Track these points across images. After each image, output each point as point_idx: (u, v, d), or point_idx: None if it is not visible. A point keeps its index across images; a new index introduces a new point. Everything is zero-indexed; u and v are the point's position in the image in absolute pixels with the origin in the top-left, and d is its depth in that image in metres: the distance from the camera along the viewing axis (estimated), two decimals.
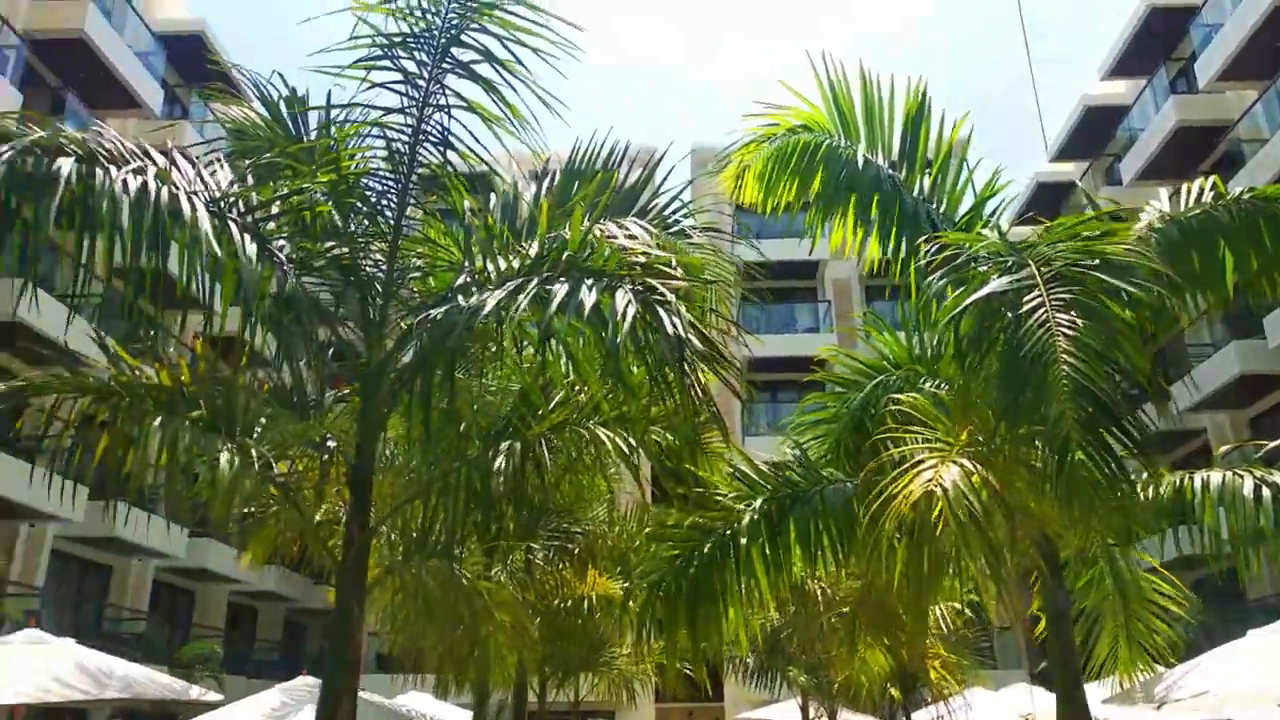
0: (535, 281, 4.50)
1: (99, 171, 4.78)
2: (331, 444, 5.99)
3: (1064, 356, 3.86)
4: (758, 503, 5.61)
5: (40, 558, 19.20)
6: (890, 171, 5.42)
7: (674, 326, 4.35)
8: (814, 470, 5.88)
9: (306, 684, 9.74)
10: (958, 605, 9.00)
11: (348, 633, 5.41)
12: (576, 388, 5.97)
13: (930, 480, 4.03)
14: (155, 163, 5.11)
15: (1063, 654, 4.98)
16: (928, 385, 5.75)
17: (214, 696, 10.19)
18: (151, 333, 5.78)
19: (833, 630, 9.46)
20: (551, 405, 5.99)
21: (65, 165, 4.69)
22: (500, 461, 5.69)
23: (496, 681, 10.52)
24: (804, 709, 16.55)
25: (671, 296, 4.31)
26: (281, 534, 7.86)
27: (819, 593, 9.05)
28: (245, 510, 7.77)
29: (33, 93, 17.60)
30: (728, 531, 5.63)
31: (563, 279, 4.42)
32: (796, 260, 29.37)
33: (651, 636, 7.02)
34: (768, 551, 5.51)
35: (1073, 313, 4.04)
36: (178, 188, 5.02)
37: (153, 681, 8.02)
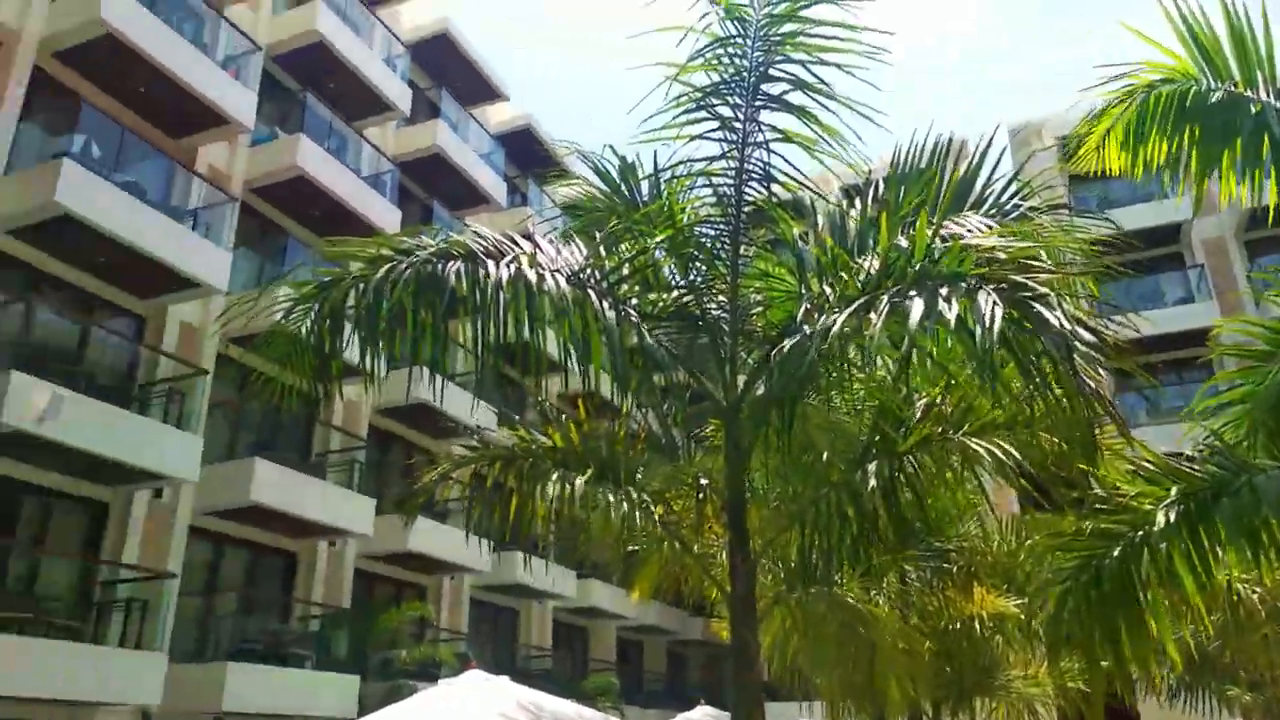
0: (885, 298, 4.42)
1: (479, 267, 5.49)
2: (704, 482, 6.28)
3: None
4: (1172, 499, 4.96)
5: (462, 605, 22.02)
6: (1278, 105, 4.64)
7: (1057, 321, 4.02)
8: (1235, 458, 5.09)
9: (706, 713, 10.16)
10: None
11: (747, 663, 5.58)
12: (940, 399, 5.74)
13: None
14: (522, 249, 5.76)
15: None
16: None
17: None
18: (538, 400, 6.48)
19: (1276, 643, 8.08)
20: (916, 418, 5.81)
21: (453, 267, 5.44)
22: (871, 483, 5.60)
23: (891, 709, 10.26)
24: None
25: (1045, 290, 4.03)
26: (664, 569, 8.34)
27: (1255, 598, 7.78)
28: (629, 550, 8.37)
29: (406, 206, 20.67)
30: (1139, 535, 5.04)
31: (914, 291, 4.28)
32: (1153, 226, 26.03)
33: (1060, 656, 6.48)
34: (1192, 554, 4.84)
35: None
36: (543, 268, 5.61)
37: (580, 715, 8.78)
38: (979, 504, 10.64)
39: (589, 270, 5.93)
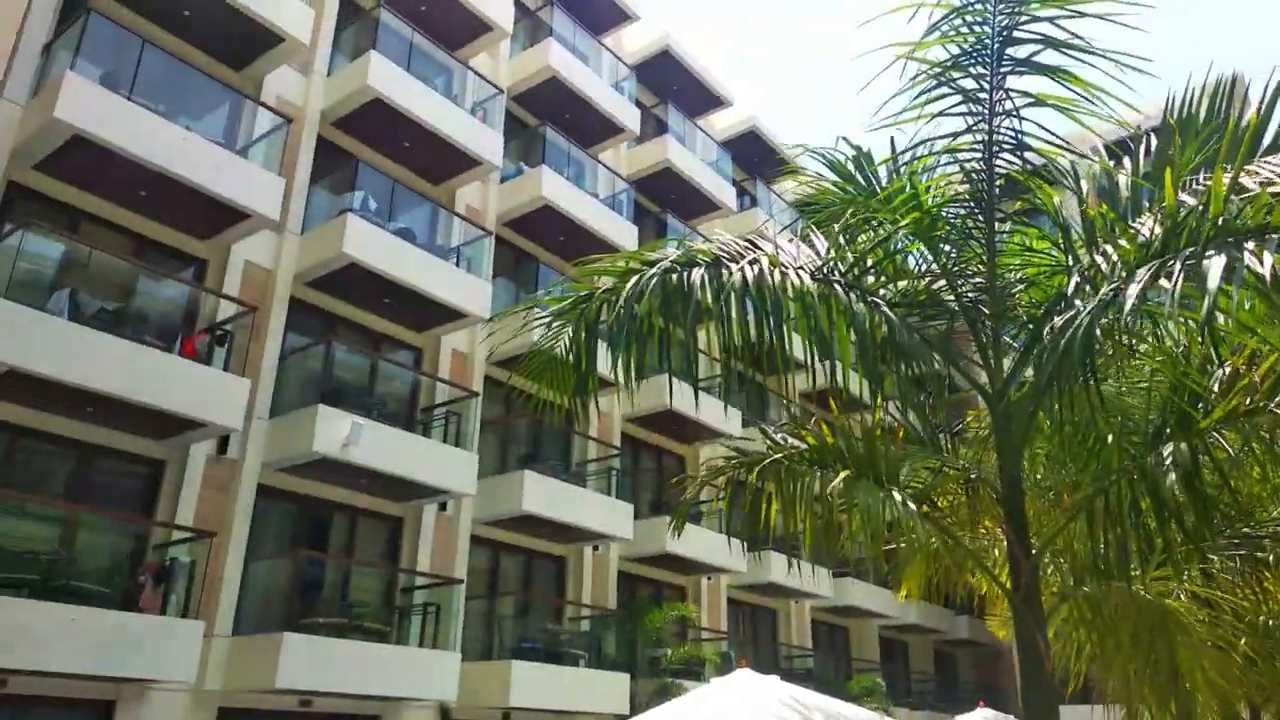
0: (1178, 261, 4.01)
1: (723, 271, 5.56)
2: (974, 474, 5.98)
3: None
4: None
5: (720, 605, 22.35)
6: None
7: None
8: None
9: (988, 715, 9.65)
10: None
11: (1037, 663, 5.24)
12: (1245, 367, 5.11)
13: None
14: (762, 250, 5.78)
15: None
16: None
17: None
18: (785, 400, 6.46)
19: None
20: (1217, 392, 5.21)
21: (698, 272, 5.55)
22: (1169, 465, 5.07)
23: (1201, 711, 9.23)
24: None
25: None
26: (934, 567, 8.01)
27: None
28: (890, 547, 8.12)
29: (641, 221, 21.41)
30: None
31: (1212, 251, 3.86)
32: None
33: None
34: None
35: None
36: (785, 266, 5.59)
37: (852, 714, 8.62)
38: None
39: (831, 264, 5.84)
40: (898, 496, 5.48)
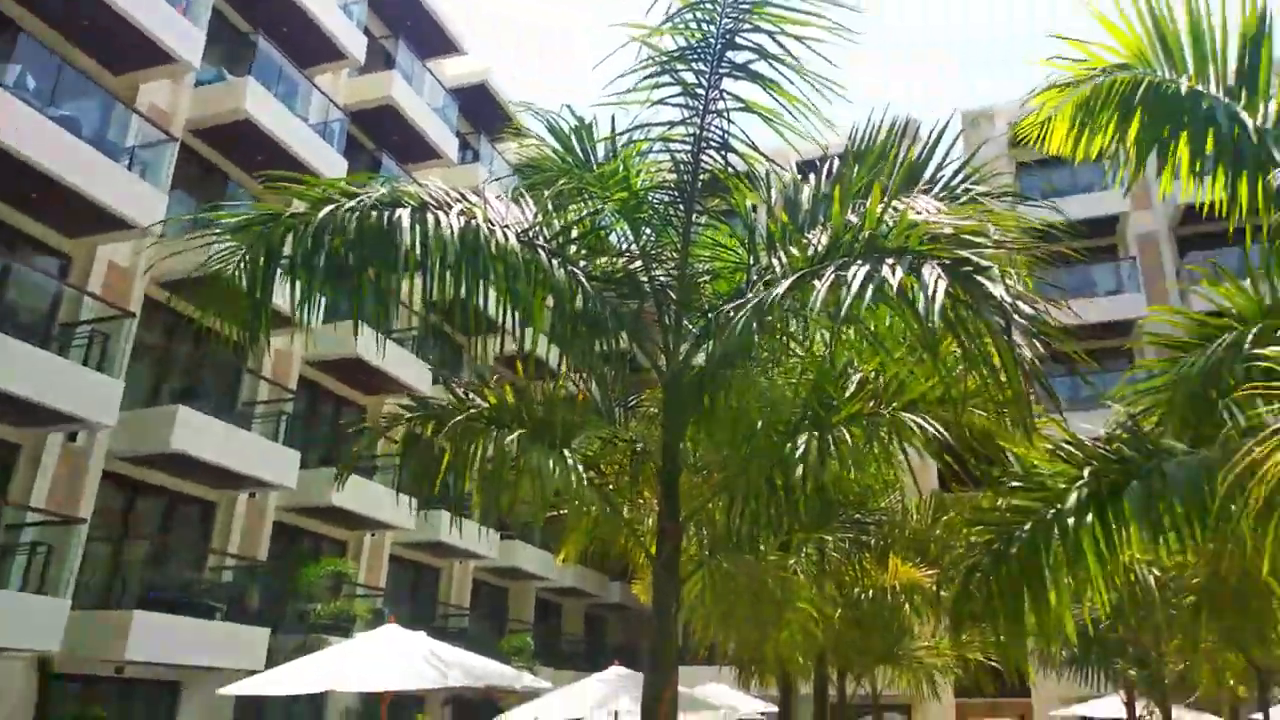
0: (830, 269, 4.54)
1: (429, 216, 5.41)
2: (640, 447, 6.36)
3: None
4: (1084, 480, 5.22)
5: (382, 562, 21.89)
6: (1227, 101, 4.83)
7: (999, 295, 4.16)
8: (1148, 443, 5.38)
9: (618, 674, 10.34)
10: None
11: (667, 625, 5.70)
12: (876, 373, 5.91)
13: None
14: (472, 203, 5.71)
15: None
16: None
17: (544, 684, 11.10)
18: (475, 359, 6.45)
19: (1169, 622, 8.57)
20: (849, 392, 5.97)
21: (402, 215, 5.36)
22: (799, 454, 5.73)
23: (797, 673, 10.59)
24: (1129, 705, 15.13)
25: (990, 265, 4.18)
26: (593, 533, 8.43)
27: (1153, 579, 8.24)
28: (555, 512, 8.44)
29: (354, 157, 20.18)
30: (1050, 513, 5.29)
31: (861, 261, 4.41)
32: (1093, 217, 26.87)
33: (964, 627, 6.76)
34: (1098, 534, 5.11)
35: None
36: (494, 224, 5.57)
37: (489, 670, 8.87)
38: (902, 481, 11.02)
39: (538, 228, 5.91)
40: (569, 460, 5.68)
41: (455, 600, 25.47)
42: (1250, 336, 5.16)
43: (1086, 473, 5.31)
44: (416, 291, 5.62)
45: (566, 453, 5.65)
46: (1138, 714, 15.09)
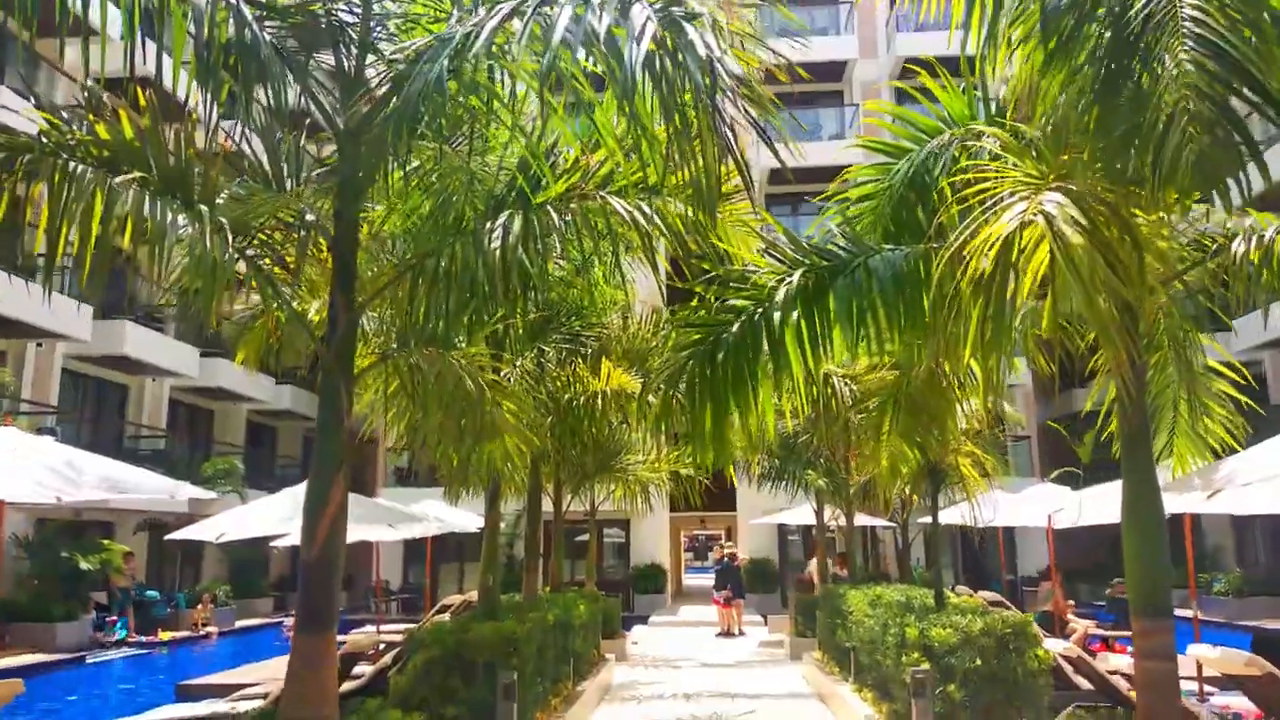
0: (531, 4, 3.72)
1: None
2: (310, 216, 5.29)
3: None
4: (795, 277, 4.93)
5: (51, 376, 19.17)
6: None
7: (706, 47, 3.60)
8: (859, 242, 5.17)
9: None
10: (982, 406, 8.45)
11: (336, 418, 4.91)
12: (587, 153, 5.21)
13: (1026, 210, 3.34)
14: None
15: (1138, 431, 4.44)
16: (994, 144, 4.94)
17: (207, 495, 10.12)
18: (84, 85, 4.94)
19: (854, 430, 9.04)
20: (559, 173, 5.24)
21: None
22: (498, 236, 4.97)
23: (510, 487, 10.30)
24: (819, 513, 16.66)
25: (702, 9, 3.59)
26: (272, 333, 7.32)
27: (846, 390, 8.57)
28: (245, 312, 7.25)
29: None
30: (759, 311, 4.99)
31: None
32: (821, 61, 27.55)
33: (671, 432, 6.56)
34: (803, 330, 4.88)
35: None
36: None
37: (140, 482, 7.67)
38: (628, 297, 10.70)
39: None
40: (212, 222, 4.53)
41: (150, 420, 23.21)
42: (953, 141, 5.06)
43: (798, 273, 5.04)
44: None
45: (206, 210, 4.50)
46: (825, 519, 16.65)
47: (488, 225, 5.12)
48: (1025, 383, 25.79)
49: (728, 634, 18.76)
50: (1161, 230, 4.38)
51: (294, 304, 5.66)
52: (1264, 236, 4.47)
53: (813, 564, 17.00)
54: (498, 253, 4.92)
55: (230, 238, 4.71)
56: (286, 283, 5.49)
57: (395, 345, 5.69)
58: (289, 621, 12.85)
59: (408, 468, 26.05)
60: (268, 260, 5.44)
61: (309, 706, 4.57)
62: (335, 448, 4.88)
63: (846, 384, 8.57)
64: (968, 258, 3.60)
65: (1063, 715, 7.09)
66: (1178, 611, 5.73)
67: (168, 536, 11.70)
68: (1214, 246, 4.75)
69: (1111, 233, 3.83)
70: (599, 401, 8.67)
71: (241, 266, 5.17)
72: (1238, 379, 6.11)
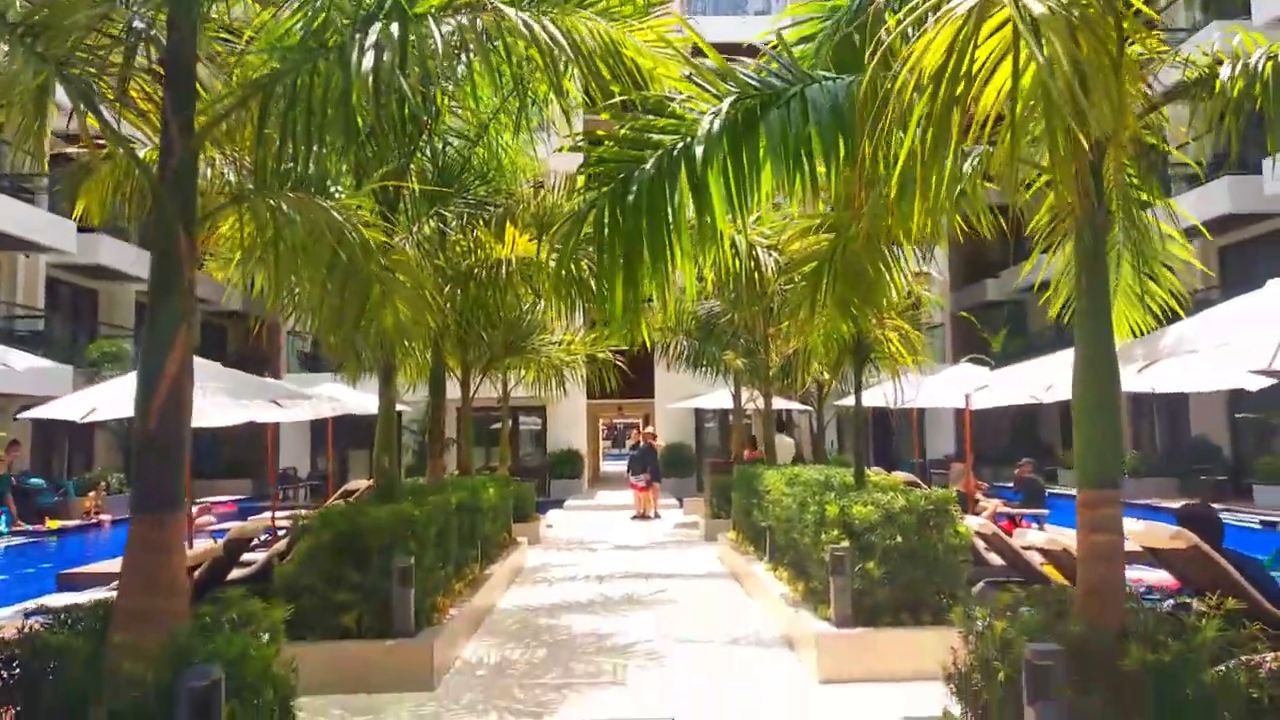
0: None
1: None
2: (137, 24, 4.33)
3: None
4: (724, 106, 4.24)
5: None
6: None
7: None
8: (797, 69, 4.48)
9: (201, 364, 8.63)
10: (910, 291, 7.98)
11: (173, 268, 4.10)
12: None
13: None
14: None
15: (1097, 288, 3.99)
16: None
17: (46, 363, 9.08)
18: None
19: (781, 303, 8.55)
20: None
21: None
22: (370, 53, 4.11)
23: (410, 366, 9.55)
24: (736, 396, 16.40)
25: None
26: (122, 180, 6.32)
27: (770, 261, 8.02)
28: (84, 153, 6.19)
29: None
30: (680, 146, 4.31)
31: None
32: None
33: (576, 294, 5.92)
34: (729, 168, 4.24)
35: None
36: None
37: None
38: (536, 165, 9.83)
39: None
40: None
41: (25, 300, 21.49)
42: None
43: (726, 103, 4.33)
44: None
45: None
46: (743, 402, 16.38)
47: (358, 38, 4.25)
48: (943, 275, 25.89)
49: (643, 517, 18.69)
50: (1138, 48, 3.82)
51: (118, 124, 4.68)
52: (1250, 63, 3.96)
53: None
54: (370, 77, 4.09)
55: (40, 49, 3.79)
56: (118, 110, 4.54)
57: (252, 186, 4.81)
58: (195, 510, 12.11)
59: (310, 351, 24.94)
60: (101, 83, 4.49)
61: (152, 597, 3.92)
62: (173, 304, 4.08)
63: (771, 254, 8.01)
64: (912, 55, 2.98)
65: (974, 591, 6.96)
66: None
67: (24, 414, 10.65)
68: (1194, 75, 4.22)
69: (1081, 48, 3.26)
70: (504, 270, 7.91)
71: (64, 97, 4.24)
72: (1188, 246, 5.75)
